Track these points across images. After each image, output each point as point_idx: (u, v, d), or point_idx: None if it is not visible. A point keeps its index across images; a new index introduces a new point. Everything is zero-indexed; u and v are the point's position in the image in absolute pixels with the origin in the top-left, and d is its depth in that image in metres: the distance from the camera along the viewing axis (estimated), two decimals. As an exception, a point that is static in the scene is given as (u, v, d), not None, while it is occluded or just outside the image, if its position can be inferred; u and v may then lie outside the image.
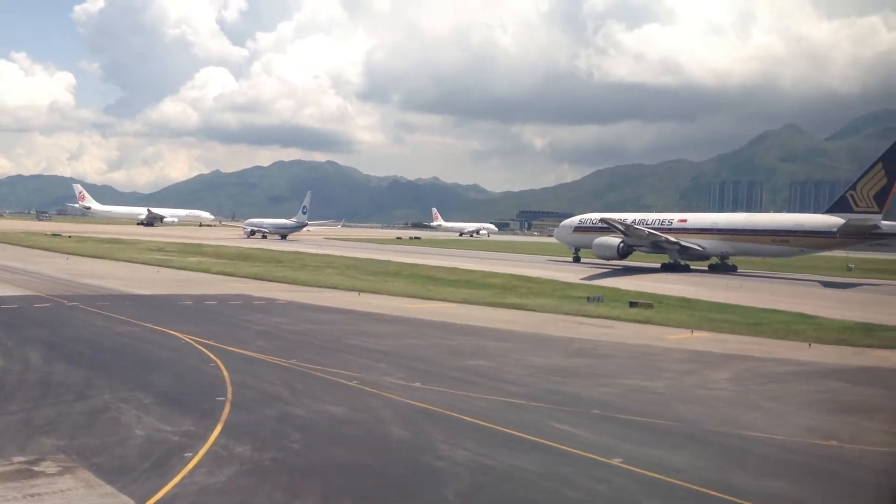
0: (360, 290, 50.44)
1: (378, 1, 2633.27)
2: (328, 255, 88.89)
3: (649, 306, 44.63)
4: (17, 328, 30.23)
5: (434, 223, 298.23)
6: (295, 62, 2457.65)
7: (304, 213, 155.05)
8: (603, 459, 15.09)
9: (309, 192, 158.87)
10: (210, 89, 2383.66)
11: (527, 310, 43.28)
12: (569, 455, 15.41)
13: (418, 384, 21.65)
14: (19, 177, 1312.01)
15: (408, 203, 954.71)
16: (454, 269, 69.30)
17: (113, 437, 15.90)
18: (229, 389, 20.19)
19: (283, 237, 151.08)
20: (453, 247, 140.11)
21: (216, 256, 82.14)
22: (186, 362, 24.35)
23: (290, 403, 19.09)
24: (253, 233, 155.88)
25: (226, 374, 22.16)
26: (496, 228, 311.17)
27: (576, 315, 41.14)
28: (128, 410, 17.98)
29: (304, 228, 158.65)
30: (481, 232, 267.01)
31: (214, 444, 15.41)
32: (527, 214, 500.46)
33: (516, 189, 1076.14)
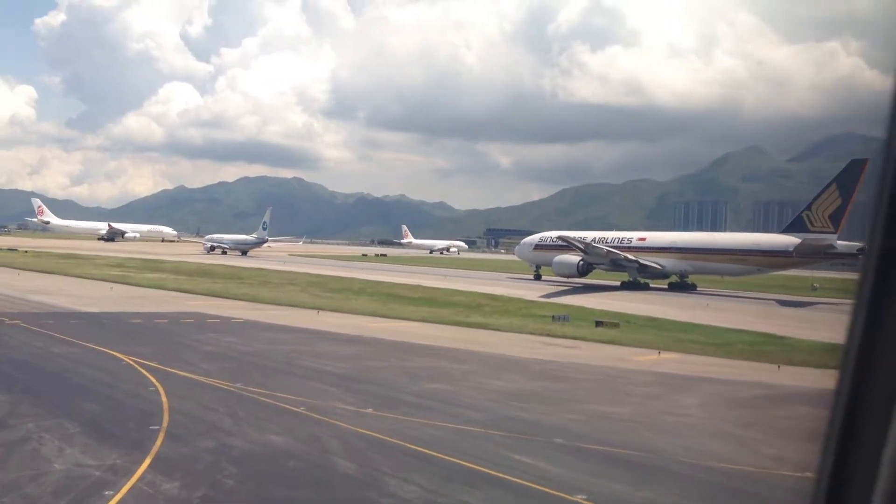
0: (321, 308, 49.02)
1: (344, 19, 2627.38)
2: (291, 272, 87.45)
3: (615, 326, 43.77)
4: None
5: (404, 240, 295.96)
6: (260, 78, 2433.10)
7: (264, 228, 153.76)
8: (565, 496, 13.89)
9: (269, 207, 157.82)
10: (174, 104, 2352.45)
11: (491, 329, 42.16)
12: (528, 490, 14.20)
13: (370, 410, 20.33)
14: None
15: (374, 220, 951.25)
16: (418, 287, 68.24)
17: (29, 471, 14.42)
18: (165, 417, 18.70)
19: (244, 253, 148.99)
20: (418, 264, 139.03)
21: (175, 273, 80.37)
22: (123, 387, 22.77)
23: (229, 433, 17.66)
24: (213, 248, 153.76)
25: (164, 399, 20.67)
26: (466, 246, 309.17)
27: (541, 335, 40.12)
28: (50, 441, 16.46)
29: (265, 244, 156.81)
30: (451, 249, 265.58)
31: (140, 479, 13.98)
32: (494, 232, 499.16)
33: (483, 207, 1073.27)
